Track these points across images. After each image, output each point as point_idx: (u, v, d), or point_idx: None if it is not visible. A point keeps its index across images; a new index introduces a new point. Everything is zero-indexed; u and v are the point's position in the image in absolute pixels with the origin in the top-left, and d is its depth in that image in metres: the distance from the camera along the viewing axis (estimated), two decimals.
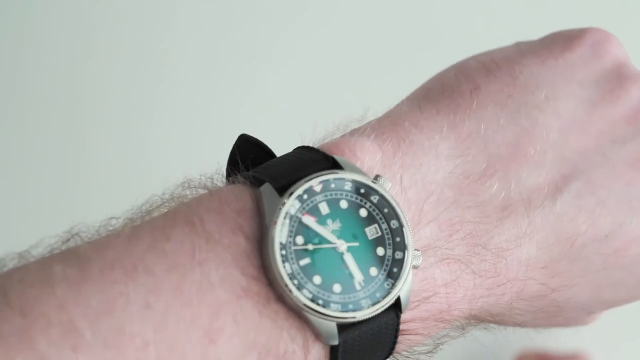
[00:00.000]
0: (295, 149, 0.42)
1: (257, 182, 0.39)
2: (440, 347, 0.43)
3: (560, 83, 0.45)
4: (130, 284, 0.35)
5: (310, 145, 0.42)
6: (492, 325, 0.47)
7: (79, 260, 0.36)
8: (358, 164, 0.40)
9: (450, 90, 0.45)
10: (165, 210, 0.39)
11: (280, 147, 0.43)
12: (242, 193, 0.39)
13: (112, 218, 0.39)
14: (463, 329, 0.44)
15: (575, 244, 0.43)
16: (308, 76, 0.81)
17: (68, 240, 0.39)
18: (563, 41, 0.47)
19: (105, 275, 0.35)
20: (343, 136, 0.42)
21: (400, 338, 0.41)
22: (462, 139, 0.43)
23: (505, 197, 0.42)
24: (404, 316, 0.40)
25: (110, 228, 0.39)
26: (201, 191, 0.41)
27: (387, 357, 0.41)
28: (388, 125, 0.43)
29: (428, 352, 0.43)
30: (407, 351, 0.42)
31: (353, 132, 0.43)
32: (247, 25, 0.83)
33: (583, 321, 0.50)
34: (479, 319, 0.44)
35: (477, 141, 0.43)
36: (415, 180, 0.41)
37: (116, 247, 0.37)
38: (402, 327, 0.40)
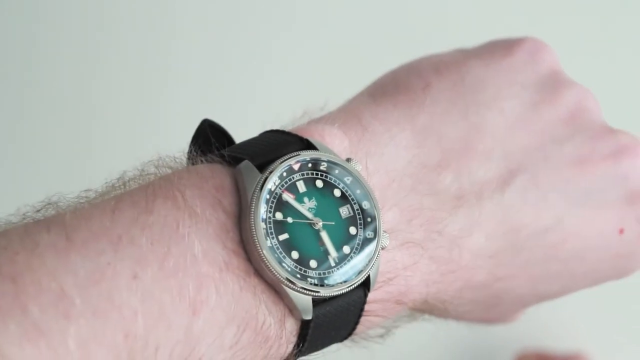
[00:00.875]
0: (264, 132, 0.43)
1: (234, 161, 0.40)
2: (393, 331, 0.45)
3: (505, 84, 0.48)
4: (117, 254, 0.36)
5: (280, 129, 0.43)
6: (434, 316, 0.48)
7: (65, 230, 0.36)
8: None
9: (405, 87, 0.47)
10: (139, 185, 0.40)
11: (243, 132, 0.44)
12: (219, 170, 0.40)
13: (88, 190, 0.39)
14: (411, 317, 0.46)
15: (520, 235, 0.45)
16: (270, 66, 0.81)
17: (40, 209, 0.38)
18: (503, 47, 0.49)
19: (92, 245, 0.35)
20: (310, 122, 0.44)
21: (362, 319, 0.42)
22: (418, 132, 0.45)
23: (458, 188, 0.44)
24: (369, 296, 0.41)
25: (86, 200, 0.39)
26: (166, 170, 0.41)
27: (349, 336, 0.42)
28: (350, 115, 0.45)
29: (380, 336, 0.44)
30: (363, 333, 0.44)
31: (318, 120, 0.44)
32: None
33: (511, 317, 0.52)
34: (427, 305, 0.46)
35: (432, 134, 0.45)
36: (378, 167, 0.43)
37: (100, 218, 0.37)
38: (366, 307, 0.41)
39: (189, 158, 0.43)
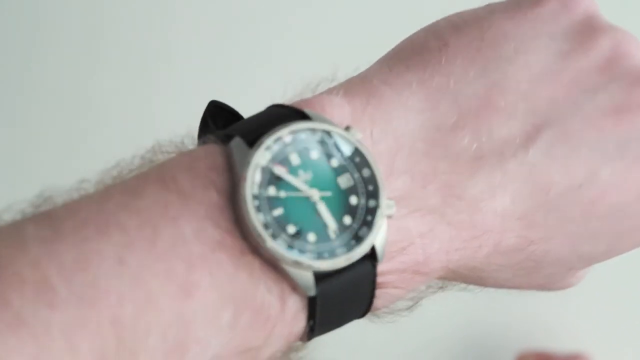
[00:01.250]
0: (267, 107, 0.42)
1: (227, 139, 0.39)
2: (420, 302, 0.43)
3: (530, 37, 0.45)
4: (103, 240, 0.35)
5: (281, 103, 0.42)
6: (471, 285, 0.46)
7: (52, 221, 0.36)
8: (327, 118, 0.40)
9: (420, 49, 0.45)
10: (137, 172, 0.39)
11: (252, 110, 0.43)
12: (213, 150, 0.39)
13: (83, 181, 0.39)
14: (442, 287, 0.44)
15: (550, 194, 0.43)
16: (279, 38, 0.81)
17: (40, 205, 0.38)
18: None
19: (78, 233, 0.35)
20: (313, 95, 0.43)
21: (378, 292, 0.40)
22: (432, 93, 0.43)
23: (477, 149, 0.42)
24: (381, 268, 0.40)
25: (82, 192, 0.39)
26: (172, 155, 0.41)
27: (367, 311, 0.41)
28: (357, 83, 0.43)
29: (408, 308, 0.43)
30: (387, 307, 0.42)
31: (323, 92, 0.43)
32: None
33: (566, 281, 0.49)
34: (457, 275, 0.44)
35: (447, 95, 0.43)
36: (385, 133, 0.41)
37: (88, 206, 0.37)
38: (379, 279, 0.40)
39: (199, 142, 0.42)
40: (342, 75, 0.44)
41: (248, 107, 0.43)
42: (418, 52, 0.45)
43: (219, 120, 0.43)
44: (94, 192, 0.38)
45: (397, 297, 0.42)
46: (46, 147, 0.77)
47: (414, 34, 0.47)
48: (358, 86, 0.43)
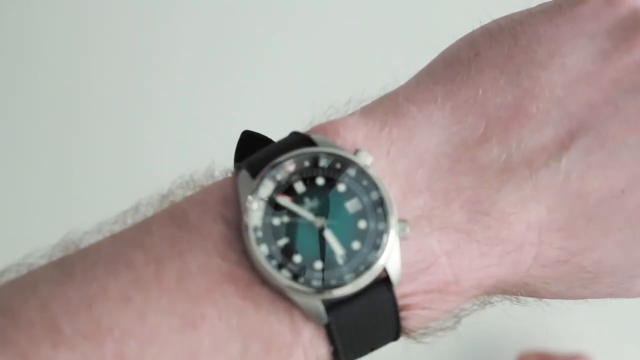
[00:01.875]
0: (286, 136, 0.42)
1: (238, 170, 0.40)
2: (460, 321, 0.42)
3: (568, 38, 0.43)
4: (111, 278, 0.36)
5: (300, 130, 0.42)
6: (524, 298, 0.45)
7: (64, 264, 0.37)
8: (339, 141, 0.40)
9: (450, 61, 0.44)
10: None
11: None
12: (225, 182, 0.40)
13: (102, 223, 0.40)
14: (484, 303, 0.43)
15: (589, 202, 0.41)
16: (309, 64, 0.80)
17: (67, 248, 0.40)
18: None
19: (87, 273, 0.37)
20: (328, 120, 0.42)
21: (406, 314, 0.40)
22: (459, 107, 0.42)
23: (506, 160, 0.41)
24: (402, 290, 0.39)
25: (105, 233, 0.40)
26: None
27: (398, 334, 0.40)
28: (381, 103, 0.43)
29: (445, 329, 0.42)
30: (422, 328, 0.41)
31: (346, 115, 0.43)
32: (239, 17, 0.83)
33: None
34: (500, 291, 0.43)
35: (475, 107, 0.42)
36: (405, 152, 0.41)
37: (100, 247, 0.38)
38: (403, 301, 0.39)
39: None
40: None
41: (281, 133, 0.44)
42: (448, 65, 0.44)
43: (253, 151, 0.43)
44: (113, 234, 0.39)
45: (430, 318, 0.41)
46: (72, 186, 0.80)
47: (449, 46, 0.46)
48: (380, 105, 0.42)
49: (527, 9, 0.46)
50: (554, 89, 0.42)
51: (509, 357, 0.70)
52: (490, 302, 0.43)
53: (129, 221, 0.40)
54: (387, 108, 0.42)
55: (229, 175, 0.42)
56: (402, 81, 0.44)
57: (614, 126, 0.41)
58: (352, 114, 0.42)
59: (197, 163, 0.43)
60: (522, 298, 0.45)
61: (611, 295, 0.47)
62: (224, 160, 0.43)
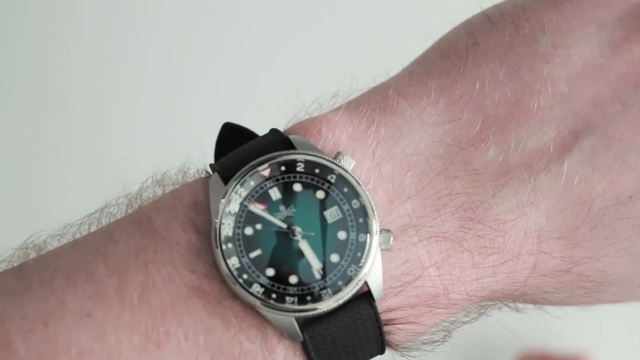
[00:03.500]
0: (266, 133, 0.39)
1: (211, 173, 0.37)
2: (450, 334, 0.39)
3: (574, 27, 0.39)
4: (70, 291, 0.34)
5: (279, 128, 0.39)
6: (520, 305, 0.42)
7: (21, 272, 0.35)
8: (321, 142, 0.37)
9: (447, 50, 0.40)
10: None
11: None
12: (197, 185, 0.37)
13: (66, 226, 0.38)
14: (478, 314, 0.40)
15: (592, 208, 0.38)
16: (295, 54, 0.78)
17: (27, 248, 0.38)
18: None
19: (45, 285, 0.34)
20: (319, 115, 0.39)
21: (391, 328, 0.37)
22: (453, 102, 0.38)
23: (503, 162, 0.38)
24: (387, 304, 0.36)
25: (69, 235, 0.38)
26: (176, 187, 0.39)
27: (382, 349, 0.37)
28: (370, 96, 0.39)
29: (434, 342, 0.39)
30: (410, 342, 0.38)
31: (332, 109, 0.39)
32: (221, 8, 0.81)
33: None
34: (495, 300, 0.40)
35: (471, 102, 0.38)
36: (393, 153, 0.37)
37: (61, 255, 0.35)
38: (387, 316, 0.36)
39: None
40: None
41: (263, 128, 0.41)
42: (445, 55, 0.40)
43: (235, 144, 0.40)
44: (75, 239, 0.37)
45: (416, 332, 0.38)
46: (39, 186, 0.77)
47: (449, 32, 0.42)
48: (368, 99, 0.39)
49: None
50: (557, 83, 0.38)
51: (509, 358, 0.69)
52: (484, 313, 0.40)
53: (94, 225, 0.37)
54: (375, 103, 0.39)
55: (203, 175, 0.39)
56: (394, 72, 0.41)
57: (621, 126, 0.38)
58: (337, 109, 0.39)
59: (171, 160, 0.40)
60: (520, 305, 0.42)
61: (617, 302, 0.44)
62: (201, 156, 0.40)
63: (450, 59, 0.40)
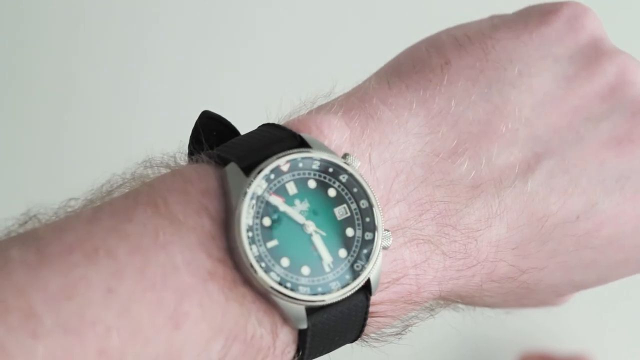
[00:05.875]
0: (261, 126, 0.40)
1: (222, 162, 0.38)
2: (409, 328, 0.42)
3: (535, 58, 0.44)
4: (91, 267, 0.34)
5: (276, 122, 0.40)
6: (460, 306, 0.46)
7: (38, 244, 0.34)
8: (325, 142, 0.39)
9: (421, 65, 0.44)
10: (127, 191, 0.38)
11: (245, 123, 0.42)
12: (206, 172, 0.38)
13: (71, 199, 0.38)
14: (432, 310, 0.44)
15: (546, 225, 0.42)
16: (275, 50, 0.79)
17: (26, 222, 0.37)
18: (539, 15, 0.45)
19: (65, 258, 0.34)
20: (309, 113, 0.41)
21: (369, 321, 0.40)
22: (432, 116, 0.42)
23: (475, 176, 0.41)
24: (373, 298, 0.39)
25: (70, 209, 0.37)
26: (163, 170, 0.39)
27: (356, 339, 0.40)
28: (356, 102, 0.42)
29: (397, 334, 0.42)
30: (375, 333, 0.41)
31: (320, 109, 0.42)
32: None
33: (553, 303, 0.49)
34: (447, 300, 0.43)
35: (448, 118, 0.42)
36: (384, 158, 0.40)
37: (76, 230, 0.35)
38: (371, 309, 0.39)
39: (189, 156, 0.41)
40: (340, 89, 0.43)
41: (242, 119, 0.42)
42: (420, 70, 0.43)
43: (211, 133, 0.41)
44: (82, 212, 0.36)
45: (385, 324, 0.41)
46: (33, 161, 0.75)
47: (415, 47, 0.46)
48: (357, 105, 0.41)
49: (491, 21, 0.46)
50: (522, 109, 0.43)
51: (510, 358, 0.71)
52: (433, 311, 0.44)
53: (99, 200, 0.38)
54: (364, 109, 0.41)
55: (185, 157, 0.41)
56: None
57: (575, 153, 0.43)
58: (333, 110, 0.41)
59: (163, 143, 0.40)
60: (458, 306, 0.46)
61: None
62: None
63: (425, 73, 0.43)
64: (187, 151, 0.41)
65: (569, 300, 0.50)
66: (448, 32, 0.46)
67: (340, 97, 0.43)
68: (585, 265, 0.44)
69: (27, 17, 0.79)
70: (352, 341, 0.40)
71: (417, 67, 0.44)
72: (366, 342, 0.41)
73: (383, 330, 0.42)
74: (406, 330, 0.42)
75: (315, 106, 0.42)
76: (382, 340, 0.42)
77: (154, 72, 0.79)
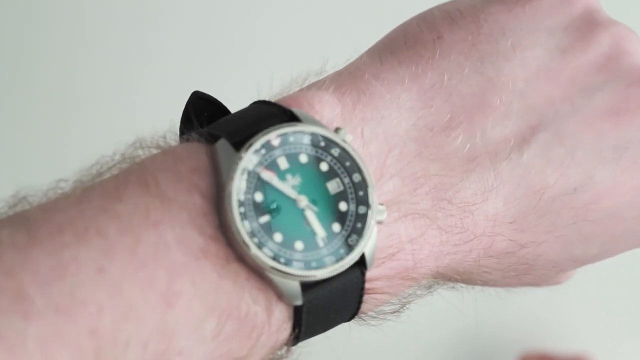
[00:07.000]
0: (252, 103, 0.40)
1: (212, 139, 0.38)
2: (407, 306, 0.42)
3: (528, 31, 0.43)
4: (82, 247, 0.34)
5: (267, 99, 0.40)
6: (459, 284, 0.45)
7: (27, 225, 0.34)
8: (317, 117, 0.39)
9: (413, 41, 0.43)
10: (117, 172, 0.38)
11: (237, 103, 0.41)
12: (196, 150, 0.38)
13: (60, 180, 0.37)
14: (430, 287, 0.43)
15: (543, 197, 0.42)
16: (266, 29, 0.78)
17: (15, 205, 0.37)
18: None
19: (55, 238, 0.34)
20: (301, 90, 0.41)
21: (365, 297, 0.39)
22: (425, 90, 0.41)
23: (470, 150, 0.41)
24: (369, 274, 0.38)
25: (60, 191, 0.37)
26: (154, 151, 0.39)
27: (353, 317, 0.40)
28: (347, 78, 0.41)
29: (394, 312, 0.42)
30: (373, 311, 0.41)
31: (311, 86, 0.41)
32: None
33: (555, 280, 0.48)
34: (445, 277, 0.43)
35: (441, 92, 0.41)
36: (376, 133, 0.40)
37: (66, 210, 0.35)
38: (367, 285, 0.39)
39: (181, 136, 0.41)
40: (331, 67, 0.43)
41: (233, 99, 0.42)
42: (411, 45, 0.43)
43: (202, 113, 0.41)
44: (71, 193, 0.36)
45: (382, 301, 0.41)
46: (22, 143, 0.74)
47: (407, 23, 0.45)
48: (348, 81, 0.41)
49: None
50: (516, 82, 0.42)
51: (510, 358, 0.70)
52: (431, 289, 0.43)
53: (89, 181, 0.37)
54: (356, 85, 0.41)
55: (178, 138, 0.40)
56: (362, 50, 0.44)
57: (571, 124, 0.42)
58: (325, 87, 0.40)
59: (153, 124, 0.40)
60: (457, 285, 0.45)
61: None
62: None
63: (417, 49, 0.43)
64: (178, 132, 0.41)
65: (569, 277, 0.49)
66: (440, 7, 0.45)
67: (331, 74, 0.42)
68: (584, 238, 0.43)
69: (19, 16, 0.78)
70: (349, 319, 0.40)
71: (409, 42, 0.43)
72: (364, 320, 0.41)
73: (381, 308, 0.41)
74: (404, 308, 0.42)
75: (306, 84, 0.42)
76: (380, 319, 0.41)
77: (144, 53, 0.78)
